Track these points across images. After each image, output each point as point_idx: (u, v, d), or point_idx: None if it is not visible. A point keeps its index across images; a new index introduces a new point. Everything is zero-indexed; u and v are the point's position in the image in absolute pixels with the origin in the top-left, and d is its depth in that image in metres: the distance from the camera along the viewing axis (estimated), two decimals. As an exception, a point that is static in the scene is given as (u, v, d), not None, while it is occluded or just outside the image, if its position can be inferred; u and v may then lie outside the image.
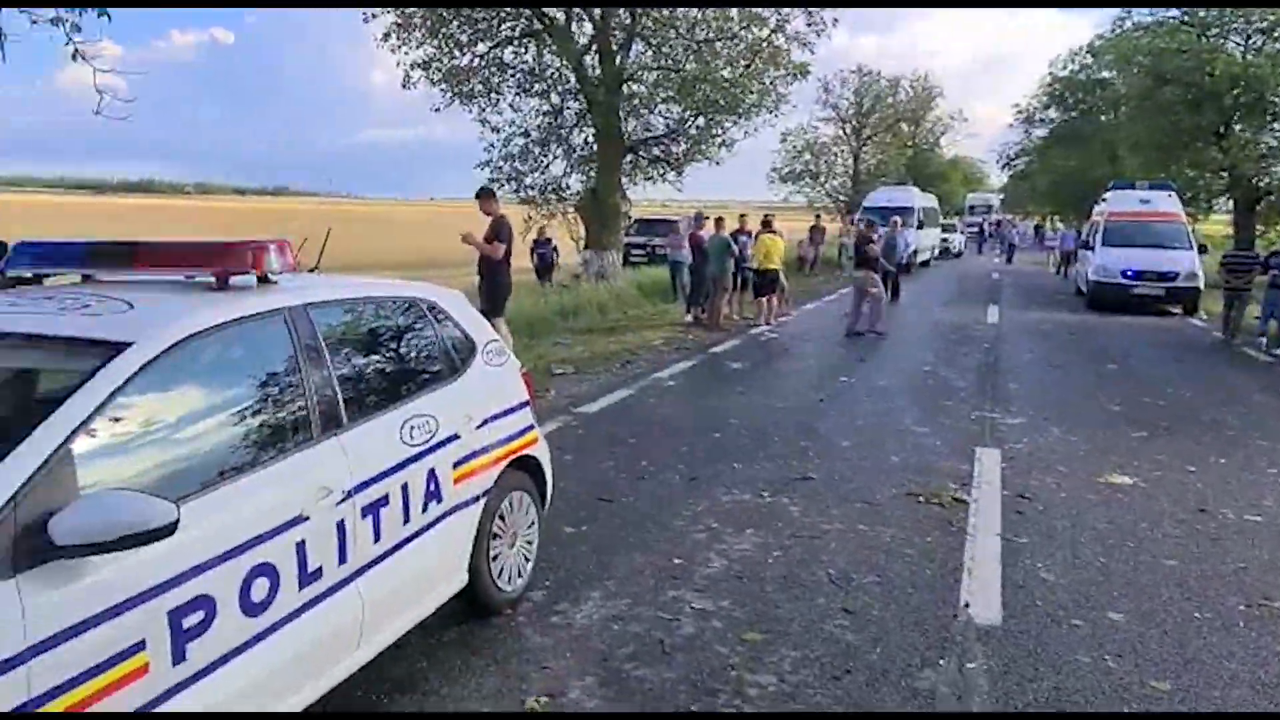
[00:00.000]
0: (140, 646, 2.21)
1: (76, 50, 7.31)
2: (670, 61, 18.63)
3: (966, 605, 4.12)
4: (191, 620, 2.34)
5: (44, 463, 2.10)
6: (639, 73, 19.01)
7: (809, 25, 18.98)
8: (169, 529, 2.12)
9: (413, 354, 3.71)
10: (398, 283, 4.00)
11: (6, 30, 6.75)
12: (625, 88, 18.62)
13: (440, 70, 18.44)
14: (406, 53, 18.27)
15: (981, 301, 18.83)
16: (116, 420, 2.35)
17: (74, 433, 2.20)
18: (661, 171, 19.95)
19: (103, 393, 2.30)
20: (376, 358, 3.53)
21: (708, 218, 15.35)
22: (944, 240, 34.63)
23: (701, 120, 19.21)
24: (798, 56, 19.38)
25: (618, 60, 18.33)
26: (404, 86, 18.60)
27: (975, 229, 46.24)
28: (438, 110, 19.32)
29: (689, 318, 14.55)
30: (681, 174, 19.93)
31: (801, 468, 6.28)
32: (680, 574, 4.43)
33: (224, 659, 2.45)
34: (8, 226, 14.16)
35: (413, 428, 3.33)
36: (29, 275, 3.20)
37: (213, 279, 2.98)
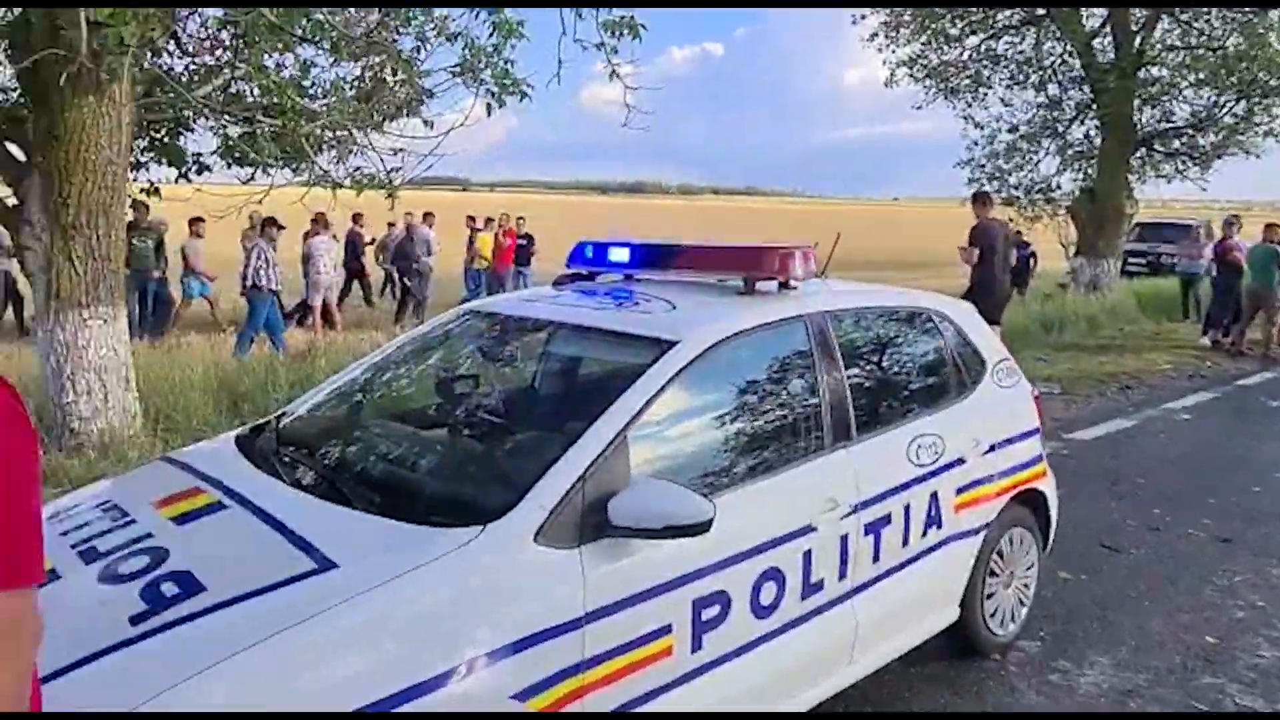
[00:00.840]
0: (667, 630, 2.33)
1: (614, 71, 8.33)
2: (1205, 39, 15.82)
3: None
4: (710, 613, 2.43)
5: (607, 447, 2.31)
6: (1161, 54, 16.44)
7: None
8: (706, 525, 2.19)
9: (922, 368, 3.52)
10: (907, 291, 3.84)
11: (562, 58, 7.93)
12: (1143, 72, 16.24)
13: (925, 66, 17.86)
14: (894, 51, 18.02)
15: None
16: (659, 414, 2.52)
17: (630, 422, 2.39)
18: (1181, 168, 17.05)
19: (655, 386, 2.48)
20: (886, 370, 3.41)
21: (1239, 220, 12.84)
22: None
23: (1241, 105, 16.04)
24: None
25: (1137, 41, 16.06)
26: (887, 85, 18.32)
27: None
28: (918, 108, 18.74)
29: (1206, 340, 12.35)
30: (1208, 169, 16.83)
31: (1390, 549, 4.87)
32: (1216, 656, 3.66)
33: (732, 655, 2.51)
34: (534, 223, 16.93)
35: (919, 447, 3.15)
36: (585, 272, 3.63)
37: (741, 283, 3.09)
